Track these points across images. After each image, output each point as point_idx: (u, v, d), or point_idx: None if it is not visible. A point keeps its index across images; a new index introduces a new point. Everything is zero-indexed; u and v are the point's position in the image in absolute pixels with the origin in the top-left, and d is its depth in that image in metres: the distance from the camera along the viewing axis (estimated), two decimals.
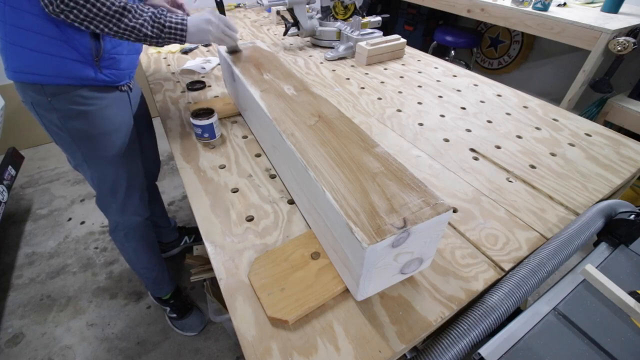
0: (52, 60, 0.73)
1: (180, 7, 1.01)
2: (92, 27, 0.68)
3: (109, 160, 0.91)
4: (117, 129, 0.90)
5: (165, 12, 0.75)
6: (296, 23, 1.35)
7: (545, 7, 1.69)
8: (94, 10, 0.65)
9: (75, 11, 0.64)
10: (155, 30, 0.73)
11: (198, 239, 1.59)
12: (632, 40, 1.40)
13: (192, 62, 1.28)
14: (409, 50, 1.41)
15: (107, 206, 1.02)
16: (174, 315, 1.29)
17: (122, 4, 0.68)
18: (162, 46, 0.78)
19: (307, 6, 1.32)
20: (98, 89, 0.83)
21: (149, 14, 0.72)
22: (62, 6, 0.63)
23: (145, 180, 1.14)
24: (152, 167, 1.26)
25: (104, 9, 0.66)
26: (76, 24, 0.67)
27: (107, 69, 0.81)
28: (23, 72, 0.75)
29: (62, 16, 0.65)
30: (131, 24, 0.70)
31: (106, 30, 0.69)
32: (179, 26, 0.75)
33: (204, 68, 1.23)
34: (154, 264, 1.20)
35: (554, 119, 0.94)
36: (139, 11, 0.71)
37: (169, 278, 1.28)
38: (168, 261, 1.55)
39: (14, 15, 0.68)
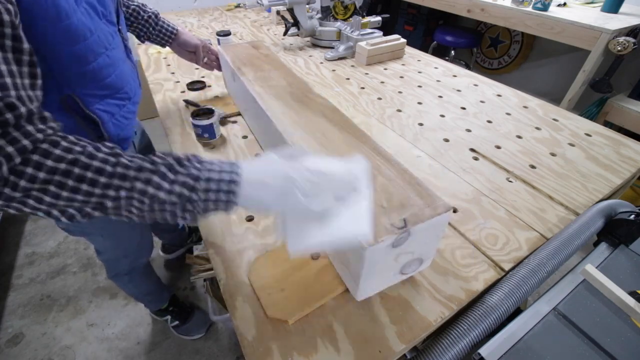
0: None
1: (210, 51, 0.99)
2: (75, 214, 0.38)
3: (125, 224, 0.86)
4: None
5: (200, 162, 0.40)
6: (296, 23, 1.35)
7: (545, 7, 1.69)
8: (83, 187, 0.35)
9: (30, 200, 0.35)
10: (185, 199, 0.38)
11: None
12: (632, 40, 1.40)
13: None
14: (409, 50, 1.41)
15: (115, 261, 0.99)
16: (176, 322, 1.27)
17: (140, 160, 0.38)
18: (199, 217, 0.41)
19: (307, 6, 1.32)
20: None
21: (176, 177, 0.38)
22: (22, 187, 0.34)
23: None
24: None
25: (102, 179, 0.35)
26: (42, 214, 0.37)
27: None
28: None
29: (10, 210, 0.36)
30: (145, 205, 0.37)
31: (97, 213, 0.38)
32: (225, 185, 0.38)
33: None
34: (153, 289, 1.19)
35: (554, 119, 0.94)
36: (151, 170, 0.37)
37: (166, 290, 1.27)
38: (170, 262, 1.55)
39: None
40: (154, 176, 0.37)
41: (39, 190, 0.34)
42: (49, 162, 0.34)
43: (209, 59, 1.00)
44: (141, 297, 1.20)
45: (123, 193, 0.36)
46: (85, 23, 0.52)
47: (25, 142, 0.34)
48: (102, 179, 0.35)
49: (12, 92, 0.35)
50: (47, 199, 0.35)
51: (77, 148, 0.36)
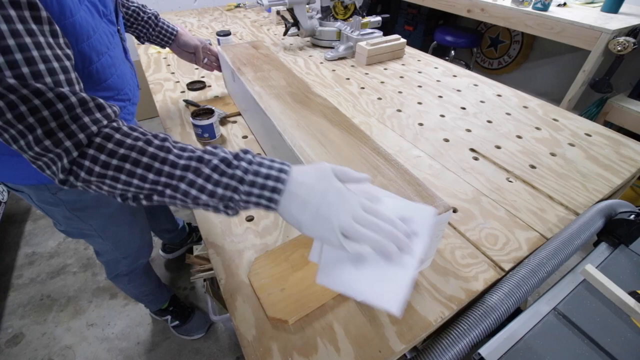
0: None
1: (210, 51, 0.99)
2: (143, 199, 0.40)
3: (124, 226, 0.88)
4: None
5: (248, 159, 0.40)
6: (296, 23, 1.35)
7: (545, 7, 1.69)
8: (135, 181, 0.37)
9: (105, 186, 0.38)
10: (228, 196, 0.38)
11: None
12: (632, 40, 1.40)
13: None
14: (409, 50, 1.41)
15: (115, 262, 0.99)
16: (177, 322, 1.27)
17: (187, 159, 0.38)
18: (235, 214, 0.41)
19: (307, 6, 1.32)
20: None
21: (235, 170, 0.38)
22: (82, 178, 0.37)
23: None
24: None
25: (150, 175, 0.37)
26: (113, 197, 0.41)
27: None
28: (19, 177, 0.65)
29: (91, 190, 0.40)
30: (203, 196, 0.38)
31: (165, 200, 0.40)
32: (268, 192, 0.38)
33: None
34: (153, 289, 1.19)
35: (554, 119, 0.94)
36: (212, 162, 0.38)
37: (166, 290, 1.27)
38: (171, 262, 1.55)
39: None
40: (199, 179, 0.38)
41: (97, 180, 0.38)
42: (103, 157, 0.37)
43: (209, 60, 1.00)
44: (141, 297, 1.20)
45: (168, 191, 0.38)
46: (89, 21, 0.52)
47: (81, 135, 0.36)
48: (151, 176, 0.37)
49: (62, 77, 0.36)
50: (105, 187, 0.38)
51: (129, 141, 0.37)
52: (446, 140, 0.86)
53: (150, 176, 0.37)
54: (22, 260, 1.57)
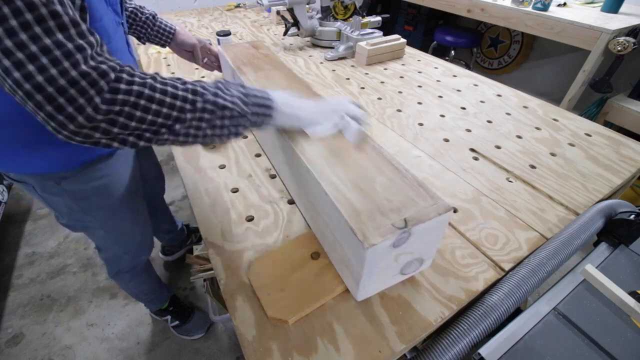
0: (59, 149, 0.62)
1: (210, 51, 0.99)
2: (142, 141, 0.43)
3: (126, 220, 0.88)
4: (130, 182, 0.84)
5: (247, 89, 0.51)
6: (296, 23, 1.35)
7: (545, 7, 1.69)
8: (167, 100, 0.42)
9: (138, 111, 0.40)
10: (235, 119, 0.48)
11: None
12: (632, 40, 1.40)
13: None
14: (409, 50, 1.41)
15: (116, 259, 0.99)
16: (177, 322, 1.27)
17: (188, 91, 0.44)
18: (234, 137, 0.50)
19: (307, 6, 1.32)
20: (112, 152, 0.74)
21: (233, 93, 0.48)
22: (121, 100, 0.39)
23: (154, 199, 1.13)
24: (157, 186, 1.22)
25: (180, 92, 0.43)
26: (117, 143, 0.42)
27: None
28: (24, 165, 0.64)
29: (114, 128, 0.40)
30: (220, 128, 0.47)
31: (167, 141, 0.45)
32: (267, 102, 0.51)
33: None
34: (153, 288, 1.19)
35: (554, 119, 0.94)
36: (213, 92, 0.46)
37: (166, 289, 1.27)
38: (170, 263, 1.55)
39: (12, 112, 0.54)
40: (219, 91, 0.47)
41: (132, 105, 0.39)
42: (135, 87, 0.39)
43: (209, 60, 1.00)
44: (142, 296, 1.20)
45: (199, 104, 0.44)
46: (98, 6, 0.53)
47: (104, 67, 0.38)
48: (180, 93, 0.43)
49: (83, 26, 0.39)
50: (138, 113, 0.40)
51: (148, 77, 0.42)
52: (446, 140, 0.86)
53: (180, 93, 0.43)
54: (22, 260, 1.57)
